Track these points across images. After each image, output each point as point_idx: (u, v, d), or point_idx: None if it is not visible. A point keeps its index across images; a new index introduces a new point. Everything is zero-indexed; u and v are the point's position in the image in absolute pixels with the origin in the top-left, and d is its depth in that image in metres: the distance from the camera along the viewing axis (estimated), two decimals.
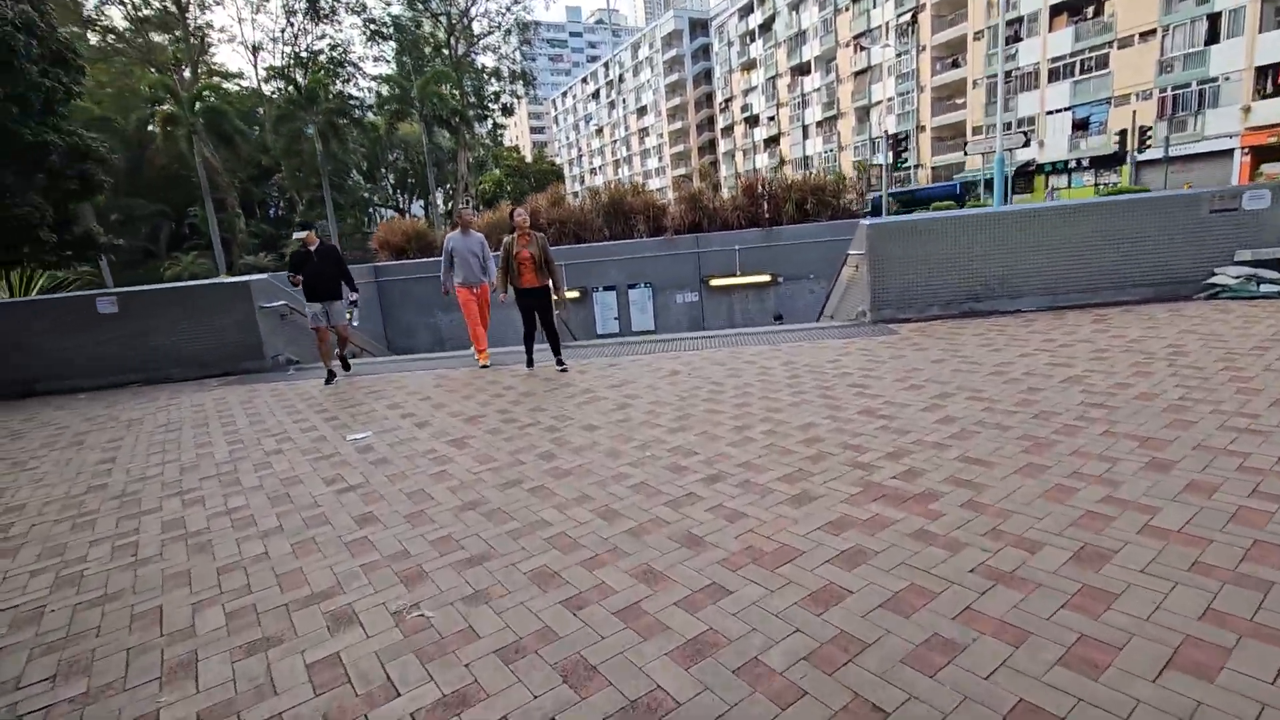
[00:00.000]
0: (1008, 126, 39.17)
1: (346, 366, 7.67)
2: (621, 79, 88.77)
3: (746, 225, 16.16)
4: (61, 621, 2.57)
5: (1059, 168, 36.22)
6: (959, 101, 44.25)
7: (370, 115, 44.66)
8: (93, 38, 33.45)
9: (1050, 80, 36.50)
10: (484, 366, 7.03)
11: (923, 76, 46.87)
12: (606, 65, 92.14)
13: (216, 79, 41.28)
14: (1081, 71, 34.89)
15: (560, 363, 6.62)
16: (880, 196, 26.00)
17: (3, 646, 2.43)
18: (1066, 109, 35.08)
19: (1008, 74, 38.92)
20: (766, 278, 16.15)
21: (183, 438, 5.25)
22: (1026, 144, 20.77)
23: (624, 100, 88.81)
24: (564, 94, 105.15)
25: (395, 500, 3.45)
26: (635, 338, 8.72)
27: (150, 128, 27.73)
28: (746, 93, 67.47)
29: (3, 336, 8.11)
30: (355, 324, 9.62)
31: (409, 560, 2.77)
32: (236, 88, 42.50)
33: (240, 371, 8.42)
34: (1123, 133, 23.99)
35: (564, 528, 2.94)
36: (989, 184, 34.64)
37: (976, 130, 41.53)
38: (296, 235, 7.25)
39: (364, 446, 4.49)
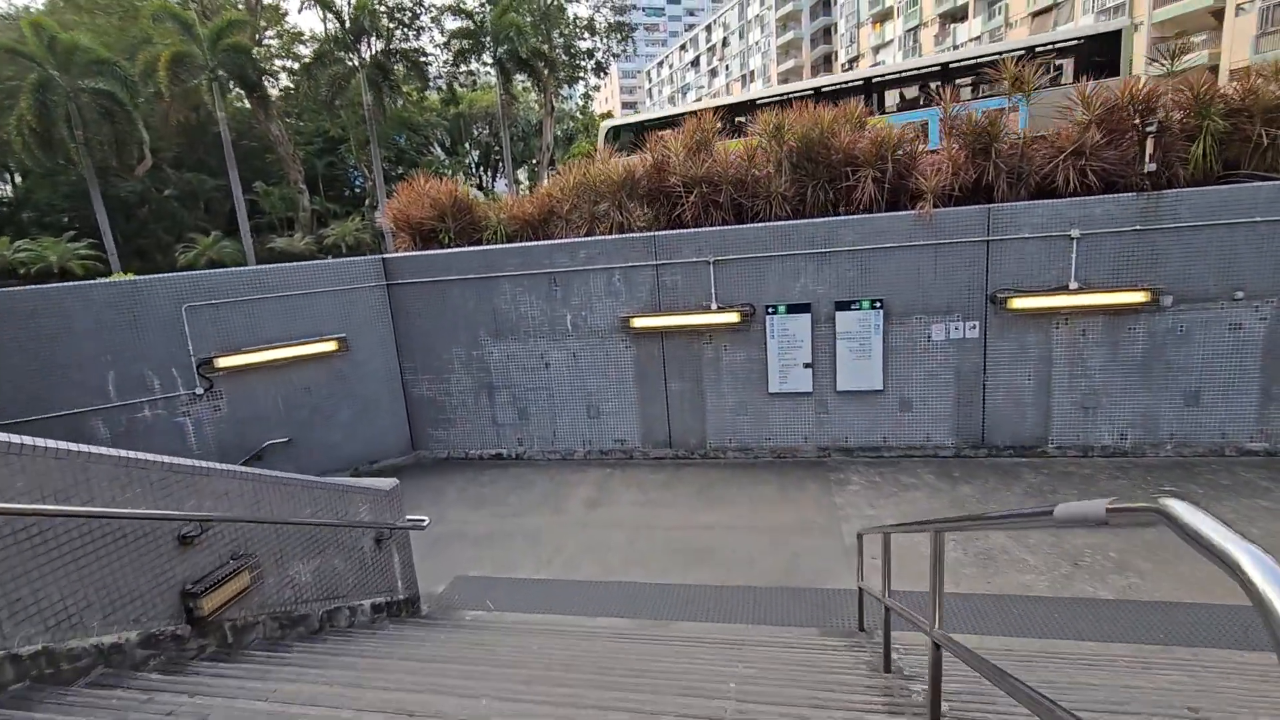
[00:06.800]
0: None
1: None
2: (725, 42, 79.58)
3: (1097, 188, 7.87)
4: None
5: None
6: (1194, 41, 33.13)
7: (455, 85, 38.53)
8: None
9: None
10: None
11: (1138, 9, 35.77)
12: (709, 29, 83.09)
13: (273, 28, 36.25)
14: None
15: None
16: None
17: None
18: None
19: None
20: (1138, 296, 7.84)
21: None
22: None
23: (727, 67, 79.64)
24: (659, 64, 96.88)
25: None
26: None
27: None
28: (878, 49, 57.14)
29: None
30: None
31: None
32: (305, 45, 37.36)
33: None
34: None
35: None
36: None
37: (1235, 73, 30.45)
38: None
39: None
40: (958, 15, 48.39)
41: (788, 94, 13.30)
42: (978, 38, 46.18)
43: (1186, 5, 33.23)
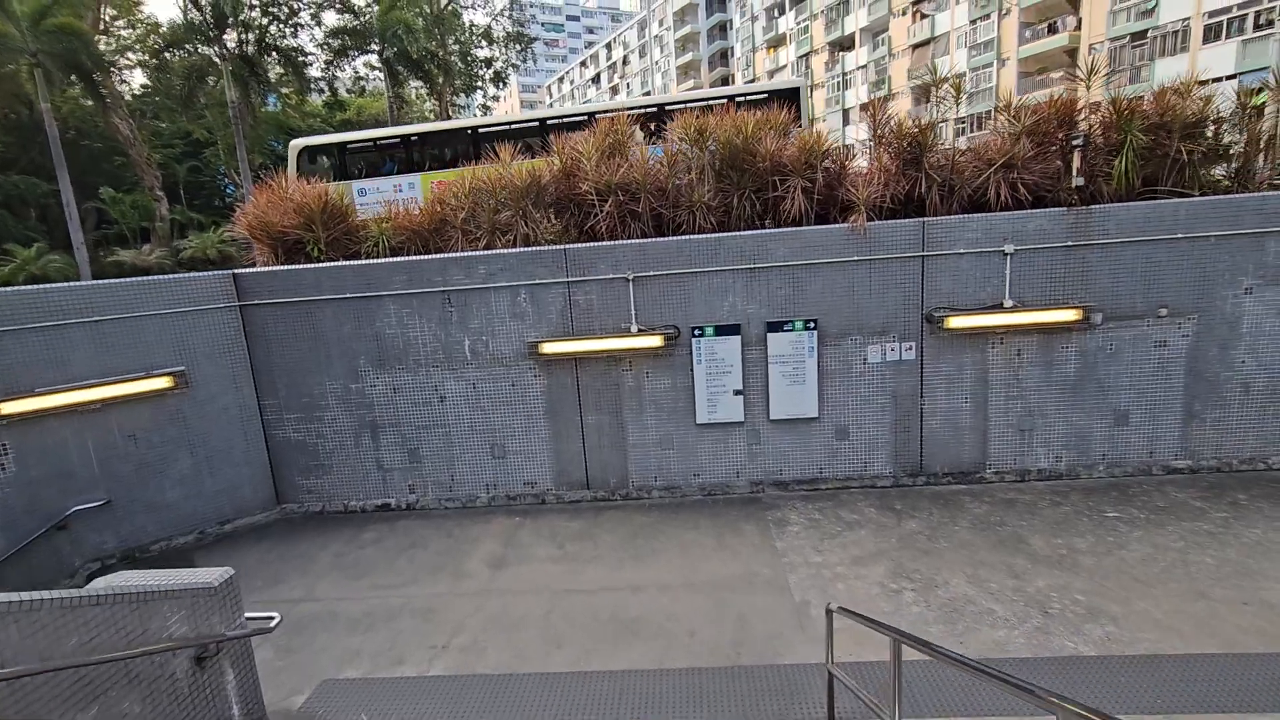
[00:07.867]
0: None
1: None
2: (626, 61, 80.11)
3: (1028, 202, 7.59)
4: None
5: None
6: (1055, 76, 36.35)
7: (338, 88, 35.68)
8: None
9: (1206, 41, 28.42)
10: None
11: (1005, 46, 38.97)
12: (609, 46, 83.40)
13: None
14: (1256, 28, 26.88)
15: None
16: None
17: None
18: (1230, 77, 27.11)
19: (1140, 34, 30.98)
20: (1071, 314, 7.60)
21: None
22: None
23: (628, 85, 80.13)
24: (560, 79, 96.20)
25: None
26: None
27: None
28: (772, 73, 59.21)
29: None
30: None
31: None
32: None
33: None
34: None
35: None
36: None
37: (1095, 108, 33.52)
38: None
39: None
40: (845, 44, 50.87)
41: (477, 127, 13.44)
42: (864, 66, 48.87)
43: (1046, 44, 36.33)
